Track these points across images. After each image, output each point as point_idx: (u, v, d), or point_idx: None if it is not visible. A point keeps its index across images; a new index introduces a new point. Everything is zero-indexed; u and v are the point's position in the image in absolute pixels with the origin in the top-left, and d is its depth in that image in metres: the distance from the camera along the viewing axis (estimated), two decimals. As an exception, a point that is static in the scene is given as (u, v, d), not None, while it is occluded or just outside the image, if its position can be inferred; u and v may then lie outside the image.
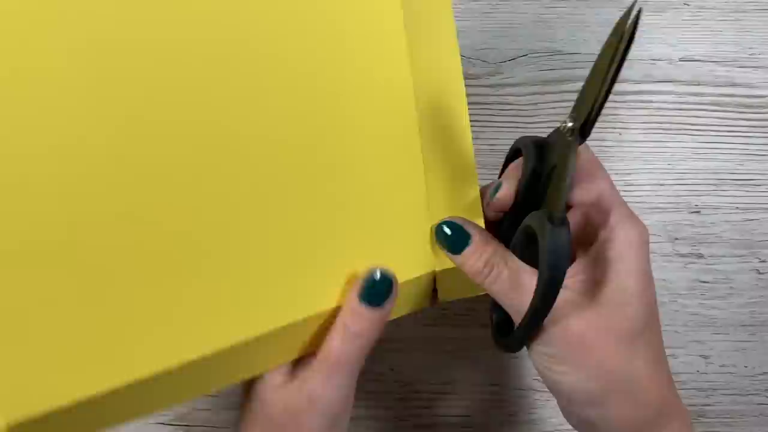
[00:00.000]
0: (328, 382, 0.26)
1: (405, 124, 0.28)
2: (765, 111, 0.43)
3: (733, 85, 0.43)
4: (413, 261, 0.28)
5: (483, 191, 0.30)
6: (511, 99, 0.43)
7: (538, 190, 0.28)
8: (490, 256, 0.27)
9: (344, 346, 0.26)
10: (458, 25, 0.44)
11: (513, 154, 0.31)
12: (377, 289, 0.26)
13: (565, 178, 0.25)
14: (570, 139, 0.26)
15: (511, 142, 0.31)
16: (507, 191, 0.28)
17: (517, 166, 0.29)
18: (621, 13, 0.24)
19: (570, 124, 0.26)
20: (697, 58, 0.43)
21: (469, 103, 0.43)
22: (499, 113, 0.43)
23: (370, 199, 0.27)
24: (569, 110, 0.27)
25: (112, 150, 0.23)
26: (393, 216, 0.28)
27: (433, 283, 0.29)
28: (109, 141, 0.23)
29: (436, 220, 0.28)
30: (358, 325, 0.26)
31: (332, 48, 0.27)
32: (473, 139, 0.42)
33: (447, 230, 0.28)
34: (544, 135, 0.29)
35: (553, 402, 0.40)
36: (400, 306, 0.28)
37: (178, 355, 0.23)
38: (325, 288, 0.26)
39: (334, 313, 0.27)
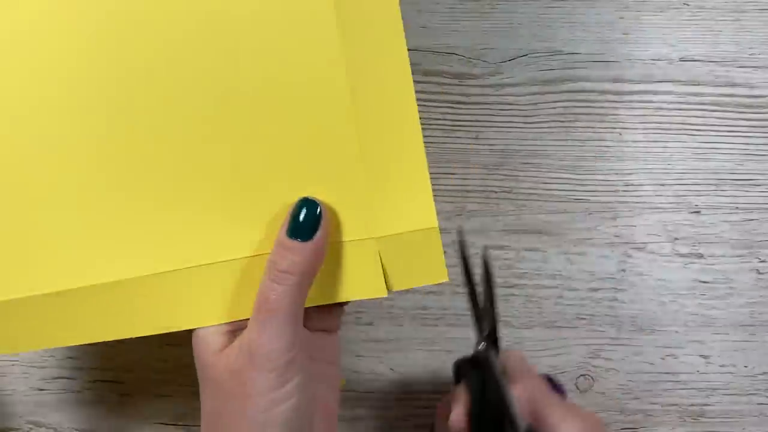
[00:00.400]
0: (264, 331, 0.24)
1: (332, 82, 0.27)
2: (765, 111, 0.43)
3: (733, 85, 0.43)
4: (348, 224, 0.27)
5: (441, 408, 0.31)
6: (511, 99, 0.43)
7: (493, 405, 0.28)
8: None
9: (275, 287, 0.24)
10: (458, 25, 0.44)
11: (456, 372, 0.31)
12: (305, 219, 0.25)
13: (503, 398, 0.27)
14: (489, 357, 0.29)
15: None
16: (456, 416, 0.28)
17: (459, 392, 0.29)
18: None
19: (483, 344, 0.29)
20: (696, 58, 0.43)
21: (469, 103, 0.43)
22: (499, 113, 0.43)
23: (302, 156, 0.27)
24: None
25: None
26: (326, 176, 0.27)
27: (380, 263, 0.27)
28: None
29: (376, 187, 0.27)
30: (286, 261, 0.25)
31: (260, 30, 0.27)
32: (473, 138, 0.42)
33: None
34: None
35: (553, 402, 0.41)
36: (340, 286, 0.27)
37: (99, 275, 0.26)
38: (255, 236, 0.26)
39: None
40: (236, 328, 0.27)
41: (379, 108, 0.26)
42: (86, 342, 0.27)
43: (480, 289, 0.31)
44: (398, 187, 0.27)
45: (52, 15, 0.26)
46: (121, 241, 0.27)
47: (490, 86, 0.43)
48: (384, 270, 0.27)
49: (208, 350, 0.26)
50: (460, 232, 0.30)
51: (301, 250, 0.25)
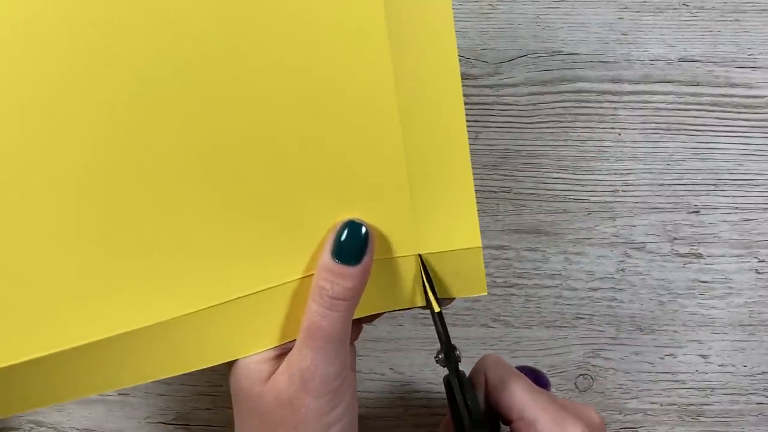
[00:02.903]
0: (318, 358, 0.24)
1: (383, 104, 0.26)
2: (764, 111, 0.43)
3: (732, 85, 0.43)
4: (393, 241, 0.26)
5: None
6: (510, 99, 0.43)
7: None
8: None
9: (328, 313, 0.24)
10: (458, 26, 0.44)
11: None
12: (351, 242, 0.24)
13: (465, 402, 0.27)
14: (451, 371, 0.28)
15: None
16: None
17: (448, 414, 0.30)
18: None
19: (440, 356, 0.28)
20: (695, 58, 0.44)
21: (468, 104, 0.43)
22: (499, 113, 0.43)
23: (347, 175, 0.26)
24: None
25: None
26: (372, 194, 0.26)
27: (424, 277, 0.28)
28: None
29: (421, 203, 0.26)
30: (338, 287, 0.24)
31: (309, 40, 0.26)
32: (473, 139, 0.43)
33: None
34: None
35: (553, 402, 0.41)
36: (381, 298, 0.27)
37: (133, 321, 0.24)
38: (297, 258, 0.25)
39: (309, 284, 0.25)
40: (279, 354, 0.26)
41: (428, 124, 0.26)
42: (128, 386, 0.26)
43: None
44: (444, 207, 0.26)
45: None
46: (161, 280, 0.25)
47: (490, 86, 0.43)
48: (426, 283, 0.27)
49: (254, 381, 0.25)
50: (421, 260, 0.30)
51: (351, 275, 0.24)
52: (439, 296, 0.28)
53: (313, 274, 0.25)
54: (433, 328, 0.28)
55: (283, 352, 0.26)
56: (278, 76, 0.25)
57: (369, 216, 0.26)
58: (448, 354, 0.28)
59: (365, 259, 0.24)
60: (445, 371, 0.29)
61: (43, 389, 0.25)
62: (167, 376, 0.26)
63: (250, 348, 0.26)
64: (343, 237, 0.24)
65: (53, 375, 0.25)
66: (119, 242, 0.24)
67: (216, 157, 0.25)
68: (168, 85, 0.24)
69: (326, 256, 0.24)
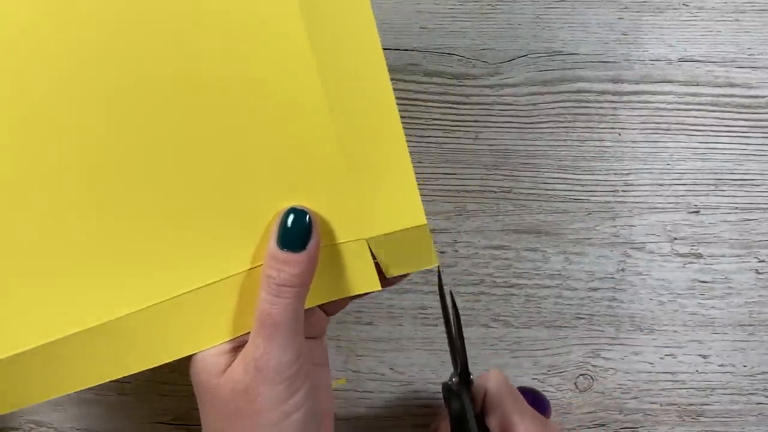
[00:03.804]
0: (270, 346, 0.24)
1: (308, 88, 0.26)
2: (763, 111, 0.43)
3: (732, 85, 0.43)
4: (338, 227, 0.26)
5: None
6: (510, 99, 0.43)
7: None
8: None
9: (276, 300, 0.24)
10: (458, 26, 0.44)
11: (444, 394, 0.33)
12: (295, 229, 0.25)
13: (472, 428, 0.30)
14: (461, 390, 0.30)
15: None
16: None
17: (442, 420, 0.32)
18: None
19: (455, 380, 0.31)
20: (695, 58, 0.44)
21: (468, 103, 0.43)
22: (499, 113, 0.43)
23: (286, 166, 0.26)
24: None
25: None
26: (311, 182, 0.26)
27: (373, 258, 0.28)
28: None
29: (362, 187, 0.26)
30: (284, 274, 0.24)
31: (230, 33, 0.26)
32: (473, 139, 0.43)
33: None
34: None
35: (553, 402, 0.40)
36: (334, 285, 0.27)
37: (87, 319, 0.25)
38: (246, 250, 0.26)
39: (258, 276, 0.26)
40: (236, 346, 0.26)
41: (358, 108, 0.26)
42: (88, 386, 0.26)
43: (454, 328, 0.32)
44: (385, 188, 0.26)
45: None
46: (108, 278, 0.25)
47: (490, 86, 0.43)
48: (377, 264, 0.27)
49: (210, 373, 0.25)
50: (439, 273, 0.31)
51: (297, 261, 0.24)
52: (391, 275, 0.28)
53: (262, 265, 0.25)
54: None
55: (239, 345, 0.26)
56: (207, 73, 0.25)
57: (312, 203, 0.26)
58: (465, 378, 0.30)
59: (311, 244, 0.25)
60: (443, 378, 0.30)
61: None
62: (124, 375, 0.26)
63: (206, 342, 0.26)
64: (287, 224, 0.25)
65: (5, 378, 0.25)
66: (67, 240, 0.25)
67: (158, 154, 0.25)
68: (105, 84, 0.25)
69: (272, 245, 0.25)
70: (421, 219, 0.27)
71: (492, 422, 0.30)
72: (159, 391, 0.40)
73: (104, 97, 0.25)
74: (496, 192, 0.42)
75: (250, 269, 0.26)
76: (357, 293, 0.28)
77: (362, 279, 0.27)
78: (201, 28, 0.25)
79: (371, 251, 0.27)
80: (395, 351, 0.40)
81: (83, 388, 0.26)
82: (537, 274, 0.41)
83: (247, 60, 0.25)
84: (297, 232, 0.25)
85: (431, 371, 0.40)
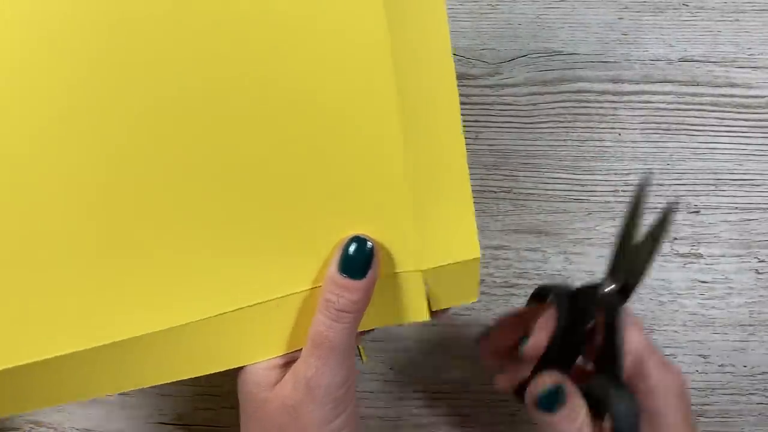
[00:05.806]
0: (323, 367, 0.25)
1: (385, 115, 0.27)
2: (763, 111, 0.43)
3: (732, 85, 0.43)
4: (396, 256, 0.27)
5: (485, 334, 0.31)
6: (510, 99, 0.43)
7: (572, 341, 0.28)
8: (583, 419, 0.26)
9: (334, 325, 0.25)
10: (458, 26, 0.44)
11: (538, 294, 0.31)
12: (357, 257, 0.25)
13: (620, 345, 0.27)
14: (615, 302, 0.27)
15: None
16: (537, 343, 0.28)
17: (547, 318, 0.29)
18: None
19: (613, 286, 0.27)
20: (695, 58, 0.44)
21: (468, 104, 0.43)
22: (499, 113, 0.43)
23: (353, 192, 0.26)
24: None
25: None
26: (376, 211, 0.26)
27: (425, 291, 0.28)
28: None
29: (423, 219, 0.27)
30: (343, 300, 0.25)
31: (309, 42, 0.26)
32: (473, 139, 0.43)
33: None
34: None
35: (553, 402, 0.40)
36: (385, 312, 0.28)
37: (139, 327, 0.25)
38: (305, 270, 0.26)
39: (317, 295, 0.26)
40: (287, 362, 0.27)
41: (428, 139, 0.26)
42: (148, 385, 0.27)
43: (639, 238, 0.28)
44: (444, 219, 0.27)
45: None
46: (171, 289, 0.25)
47: (490, 86, 0.43)
48: (427, 296, 0.28)
49: (260, 386, 0.26)
50: (646, 178, 0.28)
51: (356, 288, 0.25)
52: (436, 306, 0.28)
53: (320, 286, 0.26)
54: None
55: (290, 361, 0.27)
56: (286, 91, 0.25)
57: (373, 231, 0.26)
58: (627, 287, 0.27)
59: (370, 273, 0.25)
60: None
61: (51, 389, 0.26)
62: (178, 379, 0.27)
63: (258, 355, 0.27)
64: (350, 252, 0.25)
65: (65, 375, 0.25)
66: (135, 248, 0.25)
67: (233, 168, 0.25)
68: (179, 95, 0.25)
69: (333, 270, 0.25)
70: (475, 252, 0.27)
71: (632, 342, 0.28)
72: (159, 391, 0.40)
73: (179, 108, 0.25)
74: (496, 192, 0.42)
75: (309, 290, 0.26)
76: (406, 322, 0.28)
77: (413, 308, 0.28)
78: (288, 44, 0.25)
79: (425, 282, 0.27)
80: (395, 351, 0.40)
81: (134, 389, 0.27)
82: (537, 274, 0.41)
83: (331, 79, 0.25)
84: (358, 260, 0.25)
85: (431, 371, 0.40)
